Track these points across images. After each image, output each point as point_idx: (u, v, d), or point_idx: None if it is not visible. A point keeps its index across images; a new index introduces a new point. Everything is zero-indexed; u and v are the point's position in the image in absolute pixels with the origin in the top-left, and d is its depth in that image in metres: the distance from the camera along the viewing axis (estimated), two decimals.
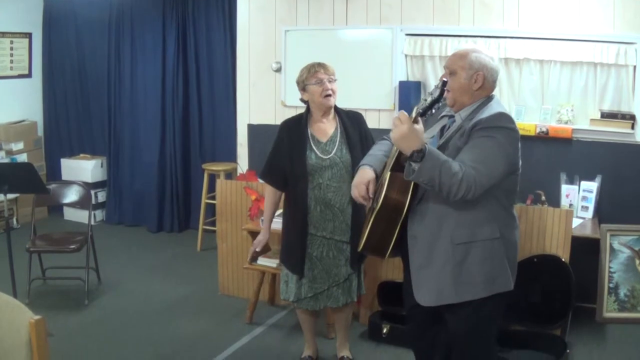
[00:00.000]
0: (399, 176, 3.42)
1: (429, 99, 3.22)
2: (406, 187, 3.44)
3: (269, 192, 4.81)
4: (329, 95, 4.54)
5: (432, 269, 3.44)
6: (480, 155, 3.22)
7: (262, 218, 5.04)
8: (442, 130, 3.58)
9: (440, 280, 3.42)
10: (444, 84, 3.22)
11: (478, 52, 3.49)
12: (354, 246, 4.50)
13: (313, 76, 4.54)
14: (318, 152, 4.57)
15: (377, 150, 3.86)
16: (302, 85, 4.61)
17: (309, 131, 4.64)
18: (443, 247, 3.41)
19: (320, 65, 4.59)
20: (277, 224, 5.00)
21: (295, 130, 4.64)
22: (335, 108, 4.69)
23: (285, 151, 4.64)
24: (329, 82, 4.54)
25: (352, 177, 4.39)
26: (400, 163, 3.42)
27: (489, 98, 3.50)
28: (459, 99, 3.48)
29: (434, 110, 3.35)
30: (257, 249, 4.95)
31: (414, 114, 3.24)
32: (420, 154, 3.13)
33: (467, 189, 3.16)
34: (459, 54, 3.53)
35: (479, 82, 3.45)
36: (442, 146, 3.42)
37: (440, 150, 3.31)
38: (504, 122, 3.33)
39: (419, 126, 3.22)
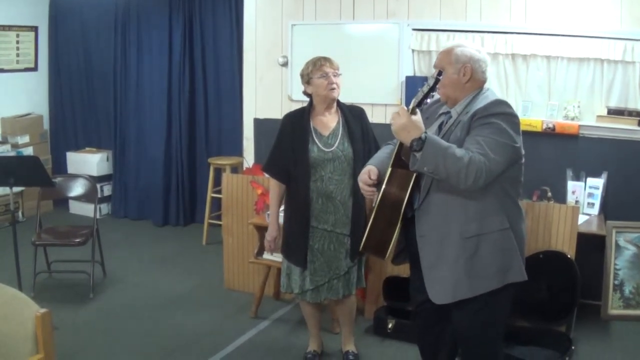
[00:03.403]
0: (398, 171, 3.46)
1: (425, 89, 3.29)
2: (406, 182, 3.46)
3: (273, 187, 4.83)
4: (334, 89, 4.56)
5: (444, 266, 3.44)
6: (484, 142, 3.22)
7: (268, 212, 5.04)
8: (440, 127, 3.58)
9: (454, 276, 3.42)
10: (439, 73, 3.29)
11: (463, 46, 3.54)
12: (354, 239, 4.52)
13: (319, 69, 4.55)
14: (320, 145, 4.58)
15: (381, 153, 3.89)
16: (307, 78, 4.63)
17: (311, 124, 4.65)
18: (453, 243, 3.40)
19: (326, 59, 4.60)
20: (281, 218, 5.00)
21: (297, 124, 4.66)
22: (338, 102, 4.71)
23: (287, 144, 4.66)
24: (334, 76, 4.56)
25: (354, 170, 4.43)
26: (400, 158, 3.45)
27: (481, 90, 3.52)
28: (451, 94, 3.51)
29: (429, 100, 3.39)
30: (278, 243, 4.93)
31: (411, 106, 3.30)
32: (420, 142, 3.17)
33: (477, 174, 3.15)
34: (444, 51, 3.57)
35: (467, 74, 3.47)
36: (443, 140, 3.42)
37: None
38: (501, 107, 3.35)
39: (417, 117, 3.28)
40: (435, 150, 3.17)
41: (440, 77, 3.32)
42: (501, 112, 3.32)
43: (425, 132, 3.23)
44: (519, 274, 3.46)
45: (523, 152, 3.44)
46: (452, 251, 3.41)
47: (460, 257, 3.39)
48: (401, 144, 3.43)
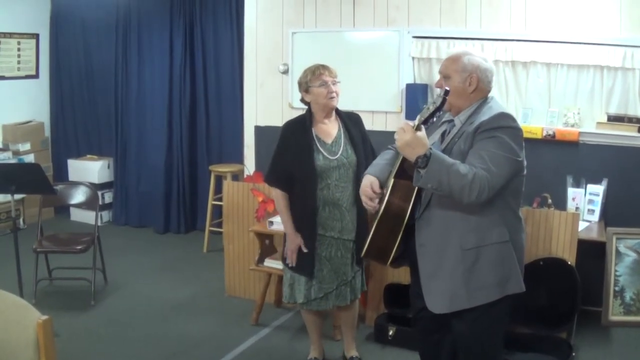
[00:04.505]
0: (402, 183, 3.45)
1: (431, 107, 3.21)
2: (408, 193, 3.46)
3: (279, 197, 4.72)
4: (333, 97, 4.56)
5: (443, 275, 3.44)
6: (487, 156, 3.22)
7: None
8: (443, 135, 3.58)
9: (452, 287, 3.42)
10: (446, 92, 3.19)
11: (470, 55, 3.50)
12: (359, 244, 4.51)
13: (317, 78, 4.54)
14: (325, 153, 4.57)
15: (380, 160, 3.86)
16: (306, 86, 4.61)
17: (313, 133, 4.64)
18: (452, 253, 3.40)
19: (325, 67, 4.59)
20: (280, 225, 4.99)
21: (300, 132, 4.64)
22: (336, 109, 4.70)
23: (291, 153, 4.64)
24: (333, 84, 4.56)
25: (357, 176, 4.43)
26: (403, 170, 3.44)
27: (486, 99, 3.50)
28: (455, 102, 3.48)
29: (434, 119, 3.35)
30: (305, 250, 4.71)
31: (416, 122, 3.24)
32: (425, 159, 3.15)
33: (480, 190, 3.15)
34: (451, 58, 3.53)
35: (474, 84, 3.45)
36: (446, 151, 3.40)
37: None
38: (506, 121, 3.33)
39: (422, 133, 3.22)
40: (439, 167, 3.16)
41: (447, 97, 3.22)
42: (505, 125, 3.31)
43: (430, 149, 3.20)
44: (517, 285, 3.47)
45: (525, 164, 3.44)
46: (451, 262, 3.42)
47: (458, 267, 3.40)
48: None
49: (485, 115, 3.37)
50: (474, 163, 3.21)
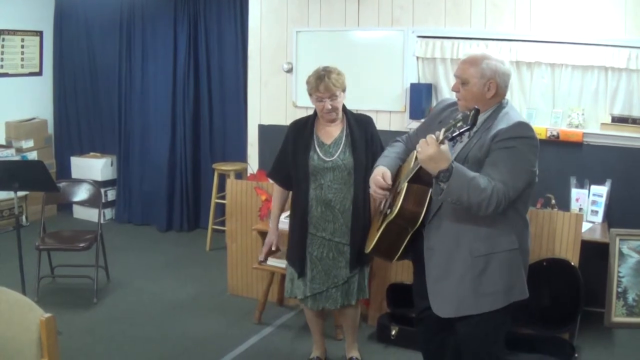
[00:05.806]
0: (416, 188, 3.44)
1: (460, 126, 3.08)
2: (422, 199, 3.46)
3: (276, 192, 4.88)
4: (329, 112, 4.52)
5: (451, 280, 3.44)
6: (505, 168, 3.22)
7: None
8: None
9: (459, 292, 3.43)
10: (477, 111, 3.09)
11: (489, 59, 3.44)
12: (354, 248, 4.54)
13: (315, 92, 4.50)
14: (321, 154, 4.57)
15: (391, 152, 3.87)
16: (309, 91, 4.59)
17: (314, 132, 4.64)
18: (461, 260, 3.41)
19: (324, 80, 4.44)
20: (285, 224, 5.01)
21: (301, 131, 4.66)
22: (345, 110, 4.66)
23: (291, 151, 4.67)
24: (331, 99, 4.47)
25: (355, 180, 4.43)
26: (419, 176, 3.42)
27: (501, 103, 3.48)
28: (472, 106, 3.42)
29: (463, 140, 3.36)
30: (274, 248, 4.98)
31: (441, 137, 3.16)
32: (447, 174, 3.13)
33: (497, 203, 3.17)
34: (469, 61, 3.48)
35: (492, 90, 3.42)
36: (460, 155, 3.40)
37: (459, 161, 3.31)
38: (524, 131, 3.31)
39: (445, 147, 3.18)
40: (461, 182, 3.15)
41: (478, 116, 3.12)
42: (523, 135, 3.30)
43: (453, 162, 3.18)
44: (522, 292, 3.49)
45: (537, 172, 3.43)
46: (459, 267, 3.42)
47: (467, 274, 3.40)
48: None
49: (502, 122, 3.35)
50: (491, 175, 3.21)
